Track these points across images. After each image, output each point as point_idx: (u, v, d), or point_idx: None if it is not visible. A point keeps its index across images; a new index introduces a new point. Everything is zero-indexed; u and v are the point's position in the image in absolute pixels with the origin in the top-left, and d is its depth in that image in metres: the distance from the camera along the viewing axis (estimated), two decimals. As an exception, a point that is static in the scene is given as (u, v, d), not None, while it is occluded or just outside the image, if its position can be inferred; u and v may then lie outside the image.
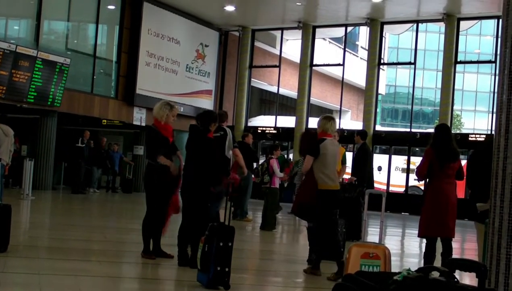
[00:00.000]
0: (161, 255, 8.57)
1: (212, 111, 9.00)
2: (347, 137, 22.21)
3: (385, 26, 26.76)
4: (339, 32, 29.77)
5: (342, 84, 28.13)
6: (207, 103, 27.74)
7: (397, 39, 68.09)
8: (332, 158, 8.30)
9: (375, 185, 15.74)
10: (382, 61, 27.76)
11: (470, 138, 24.13)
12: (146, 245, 8.57)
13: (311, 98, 28.19)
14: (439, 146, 8.03)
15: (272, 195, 14.21)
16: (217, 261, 6.77)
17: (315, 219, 8.30)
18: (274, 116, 28.97)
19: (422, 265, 7.93)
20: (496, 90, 5.59)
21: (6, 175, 15.12)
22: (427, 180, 8.20)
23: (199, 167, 8.10)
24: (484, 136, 24.13)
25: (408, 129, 27.23)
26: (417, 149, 26.21)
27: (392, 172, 26.29)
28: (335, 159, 8.43)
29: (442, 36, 26.08)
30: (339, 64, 28.12)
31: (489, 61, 29.08)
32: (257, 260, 10.28)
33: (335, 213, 9.14)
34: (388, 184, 25.66)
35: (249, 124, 29.50)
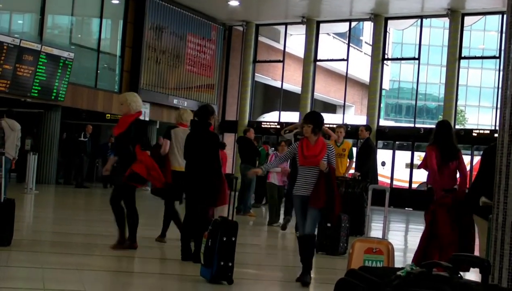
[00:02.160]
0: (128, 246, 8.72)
1: (208, 105, 9.01)
2: (350, 132, 22.17)
3: (389, 22, 26.71)
4: (343, 27, 29.74)
5: (346, 79, 28.08)
6: (210, 98, 27.75)
7: (401, 35, 68.02)
8: (181, 143, 9.27)
9: (379, 178, 15.73)
10: (386, 57, 27.68)
11: (474, 134, 24.11)
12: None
13: (315, 93, 28.19)
14: (441, 143, 8.01)
15: (270, 190, 14.18)
16: (220, 255, 6.78)
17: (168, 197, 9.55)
18: (288, 112, 29.00)
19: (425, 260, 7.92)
20: (500, 85, 5.57)
21: (12, 169, 15.18)
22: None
23: (203, 161, 8.10)
24: (488, 131, 24.10)
25: (412, 125, 27.18)
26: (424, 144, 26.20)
27: (396, 167, 26.25)
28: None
29: (446, 32, 26.04)
30: (343, 59, 28.08)
31: (493, 57, 29.05)
32: (260, 255, 10.28)
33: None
34: (391, 179, 25.64)
35: (263, 119, 29.73)
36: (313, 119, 7.47)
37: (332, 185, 7.26)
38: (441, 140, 8.03)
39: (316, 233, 7.61)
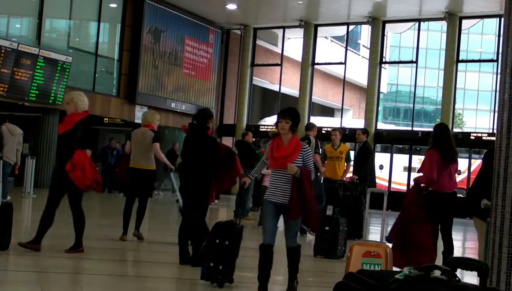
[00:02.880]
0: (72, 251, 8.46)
1: (207, 108, 9.00)
2: (348, 136, 22.20)
3: (387, 25, 26.74)
4: (341, 30, 29.76)
5: (344, 82, 28.12)
6: (208, 101, 27.75)
7: (399, 38, 67.97)
8: (138, 142, 10.28)
9: (377, 181, 15.75)
10: (384, 60, 27.72)
11: (471, 137, 24.13)
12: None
13: (312, 96, 28.20)
14: (441, 146, 8.00)
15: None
16: (210, 257, 6.79)
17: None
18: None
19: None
20: (498, 89, 5.58)
21: (15, 173, 15.22)
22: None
23: (201, 165, 8.09)
24: (486, 135, 24.13)
25: (409, 128, 27.21)
26: (419, 148, 26.22)
27: (394, 171, 26.26)
28: (141, 144, 10.27)
29: (444, 35, 26.11)
30: (341, 63, 28.12)
31: (491, 60, 29.04)
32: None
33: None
34: (389, 183, 25.64)
35: (264, 123, 29.78)
36: (293, 115, 6.58)
37: (304, 192, 6.36)
38: (440, 143, 8.02)
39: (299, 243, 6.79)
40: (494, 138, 5.48)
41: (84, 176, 8.29)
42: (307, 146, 6.66)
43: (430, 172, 7.98)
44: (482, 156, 7.39)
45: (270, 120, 30.88)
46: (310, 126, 13.10)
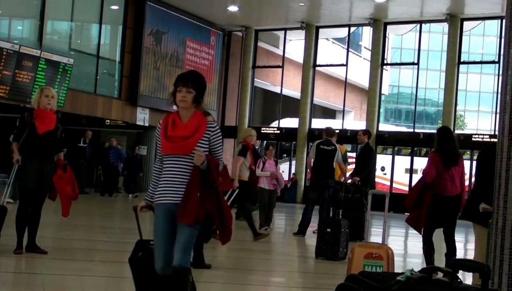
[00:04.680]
0: (34, 250, 8.07)
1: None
2: (350, 137, 22.23)
3: (388, 27, 26.76)
4: (342, 32, 29.79)
5: (345, 84, 28.12)
6: (210, 103, 27.74)
7: (400, 40, 68.05)
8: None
9: (379, 181, 15.76)
10: (385, 62, 27.75)
11: (473, 139, 24.13)
12: (19, 240, 8.06)
13: (314, 98, 28.21)
14: (444, 150, 8.02)
15: (260, 195, 14.15)
16: None
17: None
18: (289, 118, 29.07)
19: (425, 265, 7.94)
20: (499, 90, 5.58)
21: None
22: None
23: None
24: (488, 137, 24.13)
25: (411, 130, 27.22)
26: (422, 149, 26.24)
27: (396, 172, 26.26)
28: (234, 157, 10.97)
29: (446, 37, 26.11)
30: (342, 65, 28.14)
31: (493, 62, 29.17)
32: (257, 260, 10.26)
33: (337, 213, 9.16)
34: (391, 184, 25.64)
35: (276, 125, 29.72)
36: (197, 82, 4.77)
37: (213, 190, 4.63)
38: (444, 147, 8.04)
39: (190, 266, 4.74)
40: (495, 140, 5.47)
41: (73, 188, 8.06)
42: (215, 123, 4.88)
43: (427, 173, 8.03)
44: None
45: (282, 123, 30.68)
46: (333, 132, 12.88)
